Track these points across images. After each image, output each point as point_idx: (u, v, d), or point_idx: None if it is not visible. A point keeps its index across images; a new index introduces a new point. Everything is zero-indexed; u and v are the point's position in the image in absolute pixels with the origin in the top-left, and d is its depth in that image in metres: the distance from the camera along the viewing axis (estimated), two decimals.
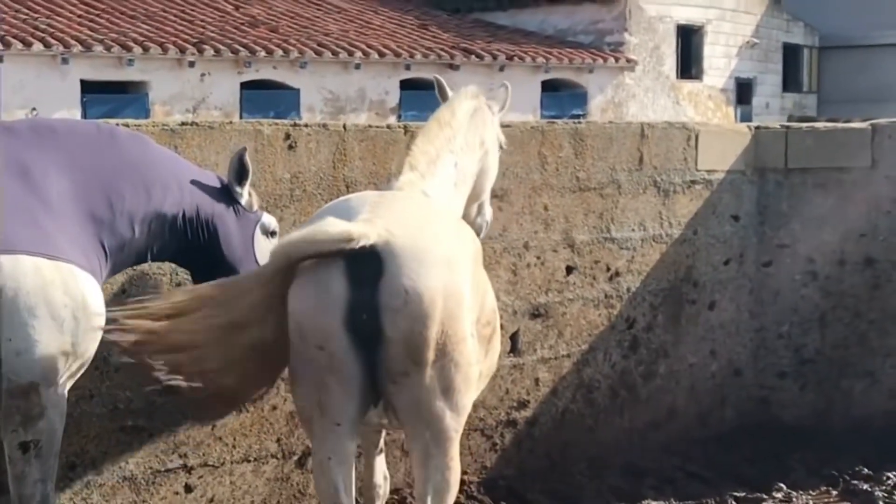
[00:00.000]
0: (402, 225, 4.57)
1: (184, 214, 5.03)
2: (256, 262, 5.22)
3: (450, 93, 5.90)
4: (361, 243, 4.40)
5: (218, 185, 5.22)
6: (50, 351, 4.46)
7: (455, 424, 4.68)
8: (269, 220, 5.39)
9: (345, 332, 4.45)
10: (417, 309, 4.43)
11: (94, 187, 4.75)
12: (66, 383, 4.60)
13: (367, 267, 4.42)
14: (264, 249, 5.26)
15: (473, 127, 5.67)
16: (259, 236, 5.29)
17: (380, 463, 5.53)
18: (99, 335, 4.66)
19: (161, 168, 5.03)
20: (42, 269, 4.43)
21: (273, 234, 5.37)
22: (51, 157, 4.70)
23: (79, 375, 4.72)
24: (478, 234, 5.55)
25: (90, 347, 4.65)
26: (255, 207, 5.32)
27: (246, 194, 5.26)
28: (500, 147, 6.00)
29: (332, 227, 4.47)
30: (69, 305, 4.50)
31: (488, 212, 6.04)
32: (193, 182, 5.11)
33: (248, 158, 5.22)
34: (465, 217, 5.62)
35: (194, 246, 5.10)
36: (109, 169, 4.82)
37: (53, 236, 4.52)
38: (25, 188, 4.55)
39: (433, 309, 4.44)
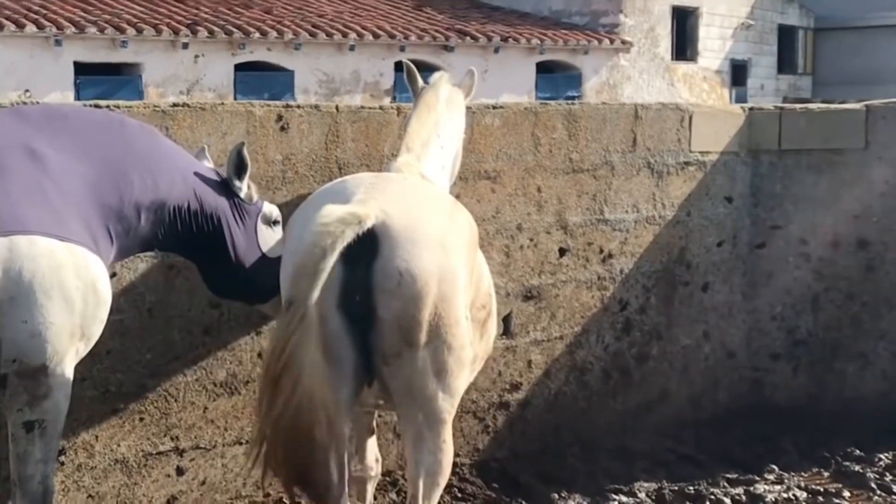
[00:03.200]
0: (398, 206, 4.57)
1: (188, 206, 5.08)
2: (261, 252, 5.30)
3: (419, 77, 5.95)
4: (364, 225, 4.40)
5: (218, 179, 5.26)
6: (61, 333, 4.47)
7: (448, 406, 4.68)
8: (269, 209, 5.44)
9: (338, 313, 4.45)
10: (411, 291, 4.43)
11: (104, 173, 4.77)
12: (72, 365, 4.61)
13: (360, 248, 4.42)
14: (268, 239, 5.36)
15: (450, 112, 5.77)
16: (261, 226, 5.36)
17: (371, 445, 5.53)
18: (105, 318, 4.68)
19: (168, 159, 5.07)
20: (55, 250, 4.44)
21: (276, 222, 5.42)
22: (62, 142, 4.72)
23: (83, 356, 4.73)
24: None
25: (97, 330, 4.68)
26: (255, 199, 5.36)
27: (245, 187, 5.31)
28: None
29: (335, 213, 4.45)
30: (80, 288, 4.51)
31: None
32: (197, 175, 5.16)
33: (246, 152, 5.26)
34: None
35: (199, 238, 5.16)
36: (119, 156, 4.85)
37: (65, 218, 4.54)
38: (38, 171, 4.57)
39: (427, 291, 4.44)
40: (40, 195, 4.52)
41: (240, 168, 5.26)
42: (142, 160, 4.92)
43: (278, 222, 5.43)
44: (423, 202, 4.79)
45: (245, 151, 5.26)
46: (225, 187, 5.25)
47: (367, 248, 4.43)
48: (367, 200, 4.54)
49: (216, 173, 5.31)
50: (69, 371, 4.59)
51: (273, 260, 5.17)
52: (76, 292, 4.49)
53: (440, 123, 5.68)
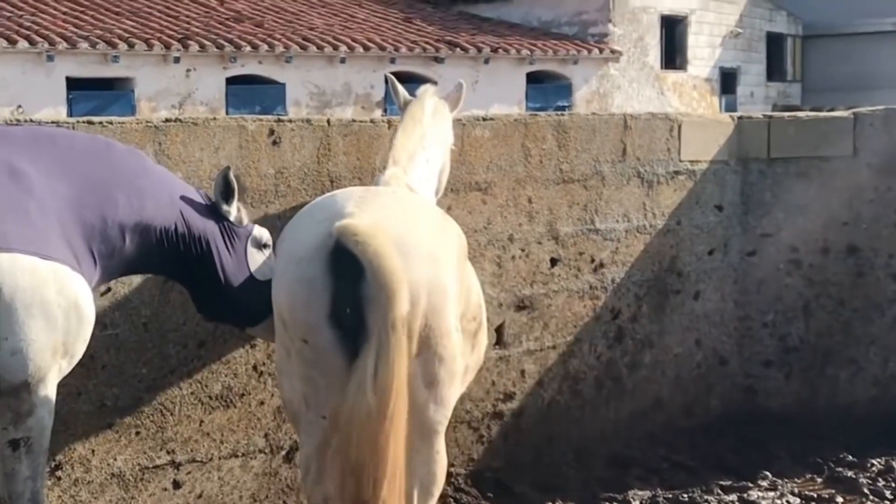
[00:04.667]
0: (388, 219, 4.59)
1: (176, 228, 5.07)
2: (251, 275, 5.29)
3: (402, 91, 6.00)
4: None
5: (207, 202, 5.27)
6: (43, 350, 4.47)
7: (440, 417, 4.71)
8: (259, 232, 5.42)
9: (329, 325, 4.48)
10: None
11: (88, 194, 4.76)
12: (55, 382, 4.62)
13: (351, 260, 4.44)
14: (258, 262, 5.34)
15: (436, 125, 5.80)
16: (251, 250, 5.34)
17: None
18: (88, 335, 4.69)
19: (154, 182, 5.06)
20: (38, 268, 4.44)
21: (265, 245, 5.40)
22: (47, 163, 4.72)
23: (66, 373, 4.75)
24: None
25: (80, 347, 4.68)
26: (245, 222, 5.36)
27: (234, 210, 5.30)
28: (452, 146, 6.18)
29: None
30: (62, 305, 4.51)
31: None
32: (184, 199, 5.15)
33: (232, 176, 5.25)
34: None
35: (188, 261, 5.14)
36: (104, 178, 4.85)
37: (47, 237, 4.54)
38: (20, 189, 4.57)
39: (417, 303, 4.47)
40: (22, 213, 4.52)
41: (227, 192, 5.25)
42: (127, 182, 4.92)
43: (268, 245, 5.41)
44: (412, 215, 4.82)
45: (231, 175, 5.25)
46: (214, 211, 5.24)
47: (358, 260, 4.46)
48: (357, 214, 4.56)
49: (205, 197, 5.30)
50: (52, 388, 4.59)
51: (263, 283, 5.15)
52: (58, 309, 4.50)
53: (426, 136, 5.72)
